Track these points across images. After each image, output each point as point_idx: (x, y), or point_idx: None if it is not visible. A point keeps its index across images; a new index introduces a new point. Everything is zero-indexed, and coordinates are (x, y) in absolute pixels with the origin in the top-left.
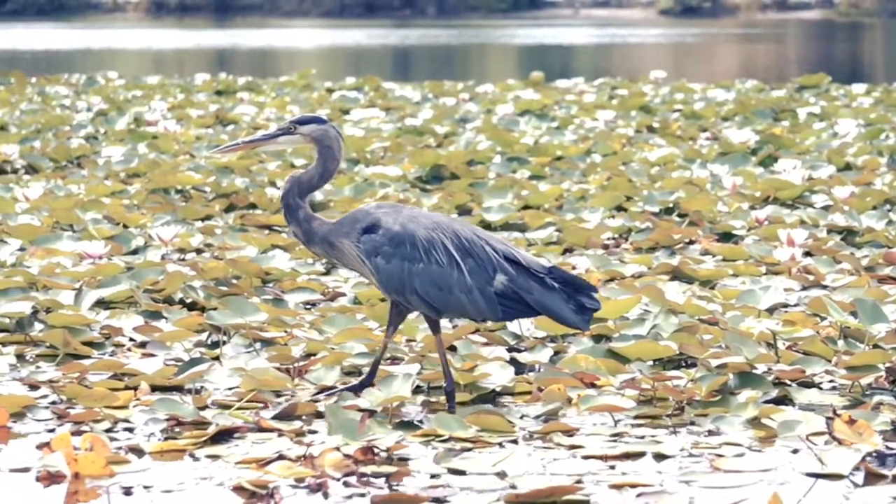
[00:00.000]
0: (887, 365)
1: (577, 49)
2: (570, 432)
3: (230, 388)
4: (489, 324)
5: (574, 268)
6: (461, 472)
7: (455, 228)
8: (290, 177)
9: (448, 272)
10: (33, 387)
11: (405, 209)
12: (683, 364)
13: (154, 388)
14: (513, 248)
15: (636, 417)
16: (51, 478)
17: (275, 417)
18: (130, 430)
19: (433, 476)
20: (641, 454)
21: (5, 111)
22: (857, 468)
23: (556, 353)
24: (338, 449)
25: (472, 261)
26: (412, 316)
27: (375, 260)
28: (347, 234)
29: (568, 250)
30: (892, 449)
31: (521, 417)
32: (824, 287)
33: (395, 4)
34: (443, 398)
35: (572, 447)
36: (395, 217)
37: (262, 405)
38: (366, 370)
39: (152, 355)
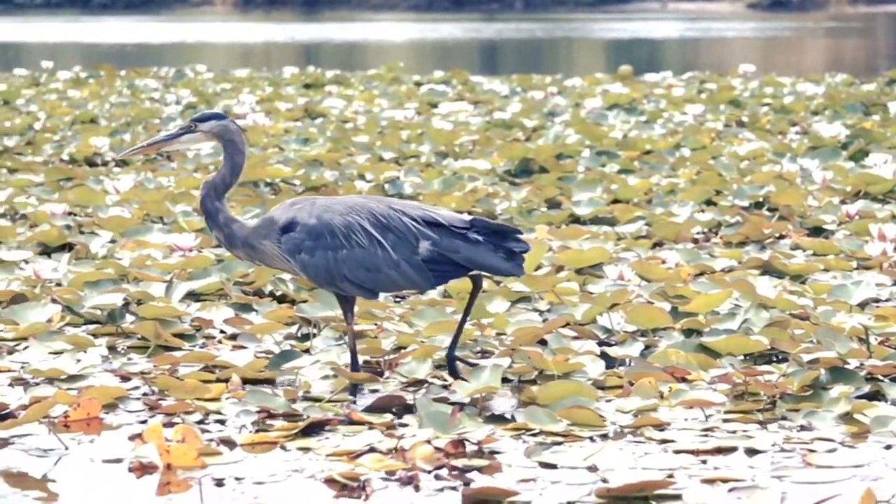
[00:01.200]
0: None
1: (664, 43)
2: (661, 427)
3: (320, 381)
4: (579, 317)
5: (664, 262)
6: (552, 466)
7: (370, 207)
8: (204, 182)
9: (372, 252)
10: (125, 378)
11: (318, 200)
12: (775, 359)
13: (245, 381)
14: (431, 209)
15: (727, 412)
16: (143, 469)
17: (365, 410)
18: (222, 421)
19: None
20: (733, 449)
21: (95, 104)
22: None
23: (647, 347)
24: (429, 442)
25: (392, 235)
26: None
27: (300, 257)
28: (267, 235)
29: (657, 244)
30: None
31: (613, 412)
32: None
33: None
34: (535, 388)
35: (663, 441)
36: (310, 210)
37: (352, 398)
38: (457, 363)
39: (243, 347)
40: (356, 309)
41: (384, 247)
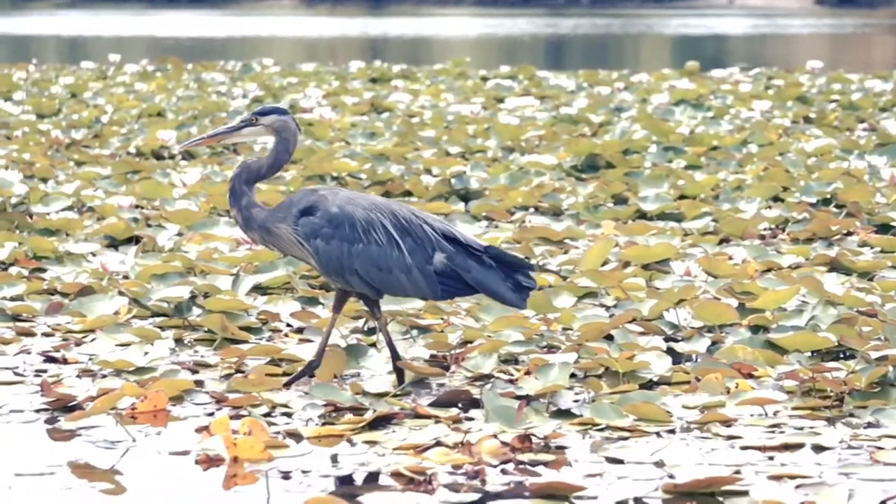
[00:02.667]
0: None
1: (731, 39)
2: (727, 423)
3: (387, 375)
4: (646, 313)
5: (730, 258)
6: (619, 461)
7: (393, 209)
8: (242, 163)
9: (388, 252)
10: (192, 371)
11: (342, 191)
12: (842, 356)
13: (311, 374)
14: (451, 226)
15: (795, 409)
16: (210, 461)
17: (432, 404)
18: (288, 414)
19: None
20: (800, 446)
21: (162, 97)
22: None
23: (714, 343)
24: (495, 436)
25: (410, 240)
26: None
27: (315, 242)
28: (284, 218)
29: (724, 240)
30: None
31: (680, 408)
32: None
33: None
34: (603, 382)
35: (730, 438)
36: (333, 199)
37: (418, 392)
38: (523, 358)
39: (309, 341)
40: (342, 308)
41: (401, 249)
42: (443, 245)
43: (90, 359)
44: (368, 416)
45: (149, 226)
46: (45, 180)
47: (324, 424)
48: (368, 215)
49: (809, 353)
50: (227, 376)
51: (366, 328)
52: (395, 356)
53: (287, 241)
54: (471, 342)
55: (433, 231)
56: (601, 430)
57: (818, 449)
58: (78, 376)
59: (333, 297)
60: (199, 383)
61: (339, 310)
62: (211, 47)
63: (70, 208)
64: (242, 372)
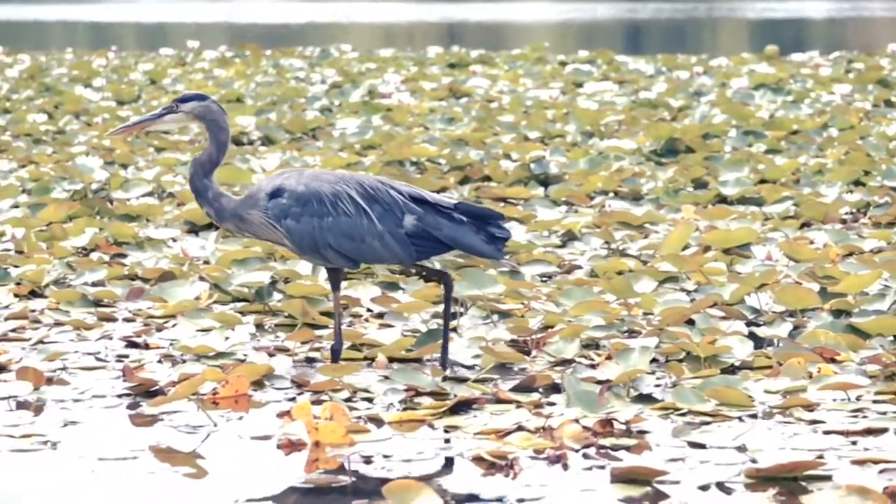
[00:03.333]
0: None
1: (810, 22)
2: (810, 407)
3: (468, 359)
4: (727, 297)
5: (812, 242)
6: (701, 446)
7: (358, 179)
8: (192, 161)
9: (357, 221)
10: (272, 355)
11: (306, 171)
12: None
13: (391, 359)
14: (418, 188)
15: (878, 393)
16: (291, 446)
17: (513, 389)
18: (369, 399)
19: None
20: (884, 430)
21: (241, 84)
22: None
23: (796, 327)
24: (577, 421)
25: (378, 206)
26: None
27: (286, 222)
28: (254, 204)
29: (805, 224)
30: None
31: (762, 392)
32: None
33: None
34: (685, 367)
35: (813, 422)
36: (298, 179)
37: (499, 377)
38: (604, 343)
39: (390, 326)
40: (343, 284)
41: (370, 217)
42: (411, 207)
43: (171, 344)
44: (450, 400)
45: None
46: (125, 166)
47: (405, 409)
48: (334, 188)
49: (892, 337)
50: (308, 361)
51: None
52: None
53: (260, 225)
54: (552, 327)
55: (400, 195)
56: (683, 414)
57: None
58: (159, 361)
59: (328, 279)
60: (280, 368)
61: (338, 287)
62: (289, 33)
63: (150, 194)
64: (312, 361)
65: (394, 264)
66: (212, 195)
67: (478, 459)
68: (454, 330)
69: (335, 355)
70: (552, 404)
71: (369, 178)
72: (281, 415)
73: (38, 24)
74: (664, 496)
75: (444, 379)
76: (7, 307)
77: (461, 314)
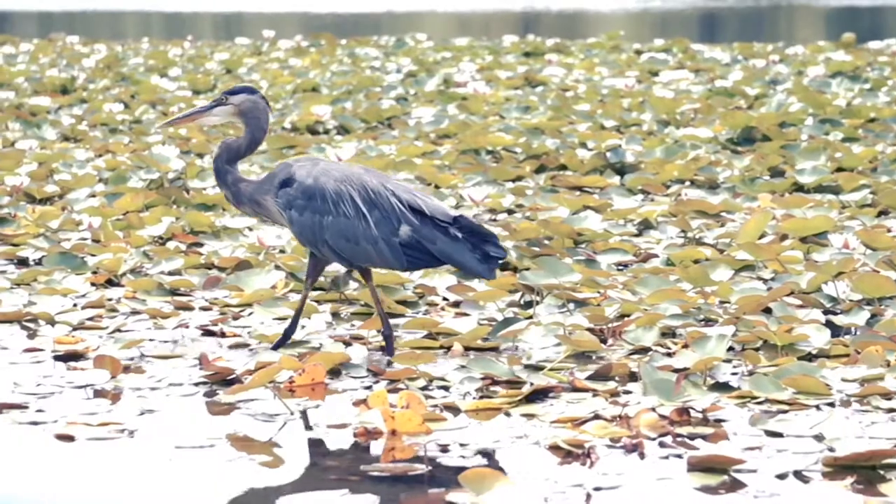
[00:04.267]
0: None
1: (888, 10)
2: (888, 395)
3: (544, 348)
4: (804, 286)
5: (889, 230)
6: (778, 435)
7: (364, 180)
8: (222, 143)
9: (355, 224)
10: (348, 344)
11: (321, 163)
12: None
13: (467, 348)
14: (420, 196)
15: None
16: (368, 434)
17: (589, 377)
18: (445, 388)
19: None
20: None
21: (317, 73)
22: None
23: (873, 316)
24: (653, 409)
25: (377, 212)
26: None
27: (290, 213)
28: (268, 190)
29: (882, 213)
30: None
31: (839, 381)
32: None
33: None
34: (761, 355)
35: (891, 410)
36: (309, 171)
37: (575, 365)
38: (680, 331)
39: (466, 315)
40: (317, 276)
41: (367, 221)
42: (408, 217)
43: (248, 332)
44: (526, 389)
45: None
46: (201, 156)
47: (481, 398)
48: (339, 187)
49: None
50: (384, 350)
51: (522, 301)
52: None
53: (272, 211)
54: (628, 315)
55: (399, 203)
56: (760, 403)
57: None
58: (236, 350)
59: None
60: (356, 357)
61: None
62: (364, 22)
63: None
64: (382, 350)
65: (385, 269)
66: (231, 179)
67: (554, 448)
68: (529, 318)
69: (388, 342)
70: (629, 393)
71: (374, 181)
72: (357, 403)
73: (114, 14)
74: (741, 485)
75: (520, 367)
76: (84, 296)
77: (537, 302)
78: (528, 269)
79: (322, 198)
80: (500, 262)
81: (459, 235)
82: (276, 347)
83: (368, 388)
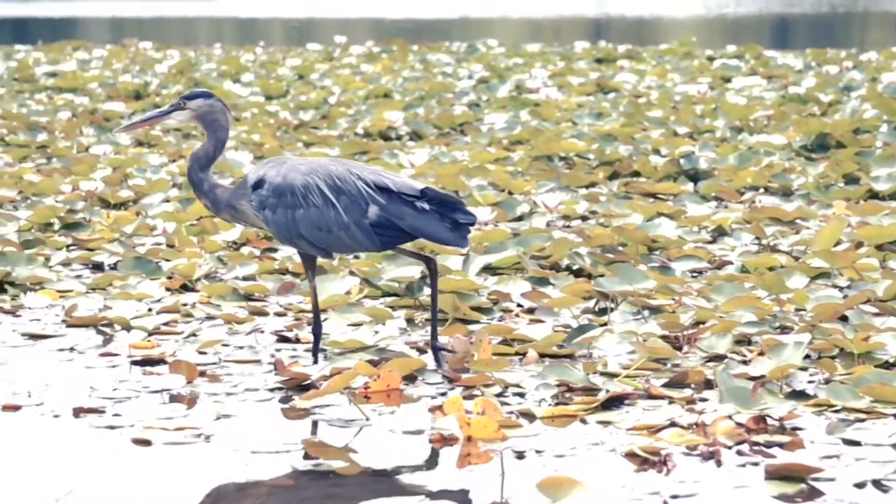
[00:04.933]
0: None
1: None
2: None
3: (619, 355)
4: (881, 294)
5: None
6: (856, 443)
7: (330, 170)
8: (190, 155)
9: (325, 213)
10: (423, 351)
11: (289, 160)
12: None
13: (542, 355)
14: (386, 175)
15: None
16: (443, 440)
17: (665, 385)
18: (521, 394)
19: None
20: None
21: (389, 79)
22: None
23: None
24: (729, 417)
25: (345, 198)
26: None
27: (265, 213)
28: (243, 195)
29: None
30: None
31: None
32: None
33: None
34: (838, 363)
35: None
36: (278, 170)
37: (650, 372)
38: (756, 339)
39: (540, 321)
40: (315, 271)
41: (336, 209)
42: (374, 198)
43: (322, 338)
44: (601, 396)
45: None
46: None
47: (557, 404)
48: (306, 180)
49: None
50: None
51: (596, 308)
52: (316, 321)
53: (250, 215)
54: (703, 322)
55: (365, 185)
56: (837, 411)
57: None
58: (310, 355)
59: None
60: (431, 363)
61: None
62: (435, 28)
63: None
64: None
65: (362, 252)
66: (207, 187)
67: (630, 455)
68: (604, 325)
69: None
70: (704, 400)
71: (340, 168)
72: (433, 409)
73: (186, 20)
74: (819, 493)
75: (595, 374)
76: (159, 301)
77: (612, 309)
78: (602, 275)
79: (291, 193)
80: (471, 227)
81: (427, 207)
82: (315, 354)
83: (444, 394)
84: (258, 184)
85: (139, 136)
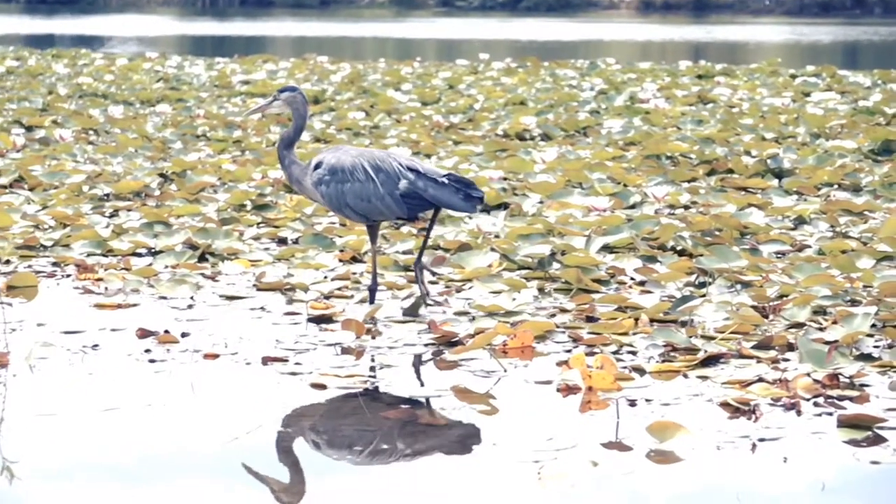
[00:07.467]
0: None
1: None
2: None
3: (715, 321)
4: None
5: None
6: None
7: (373, 154)
8: (281, 134)
9: (367, 186)
10: (553, 315)
11: (342, 147)
12: None
13: (652, 320)
14: (418, 163)
15: None
16: (568, 390)
17: (754, 347)
18: (633, 353)
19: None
20: None
21: (524, 89)
22: None
23: None
24: (808, 375)
25: (382, 174)
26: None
27: (321, 188)
28: (306, 172)
29: None
30: None
31: None
32: None
33: (847, 4)
34: None
35: None
36: (334, 154)
37: (741, 336)
38: (830, 310)
39: (650, 292)
40: (377, 239)
41: (375, 183)
42: (406, 175)
43: (468, 303)
44: (701, 355)
45: (515, 195)
46: (428, 156)
47: (663, 361)
48: (353, 161)
49: None
50: (588, 320)
51: (697, 282)
52: (374, 282)
53: (309, 189)
54: (786, 296)
55: (399, 165)
56: None
57: None
58: (459, 317)
59: (368, 234)
60: (559, 325)
61: (375, 240)
62: (563, 48)
63: None
64: (594, 318)
65: (393, 219)
66: (287, 162)
67: (724, 405)
68: (703, 296)
69: (372, 294)
70: (787, 360)
71: (381, 153)
72: (560, 364)
73: (356, 39)
74: (883, 440)
75: (695, 337)
76: (333, 270)
77: (710, 283)
78: (702, 255)
79: (342, 171)
80: (480, 200)
81: (447, 181)
82: (371, 300)
83: (569, 351)
84: (317, 165)
85: (317, 133)
